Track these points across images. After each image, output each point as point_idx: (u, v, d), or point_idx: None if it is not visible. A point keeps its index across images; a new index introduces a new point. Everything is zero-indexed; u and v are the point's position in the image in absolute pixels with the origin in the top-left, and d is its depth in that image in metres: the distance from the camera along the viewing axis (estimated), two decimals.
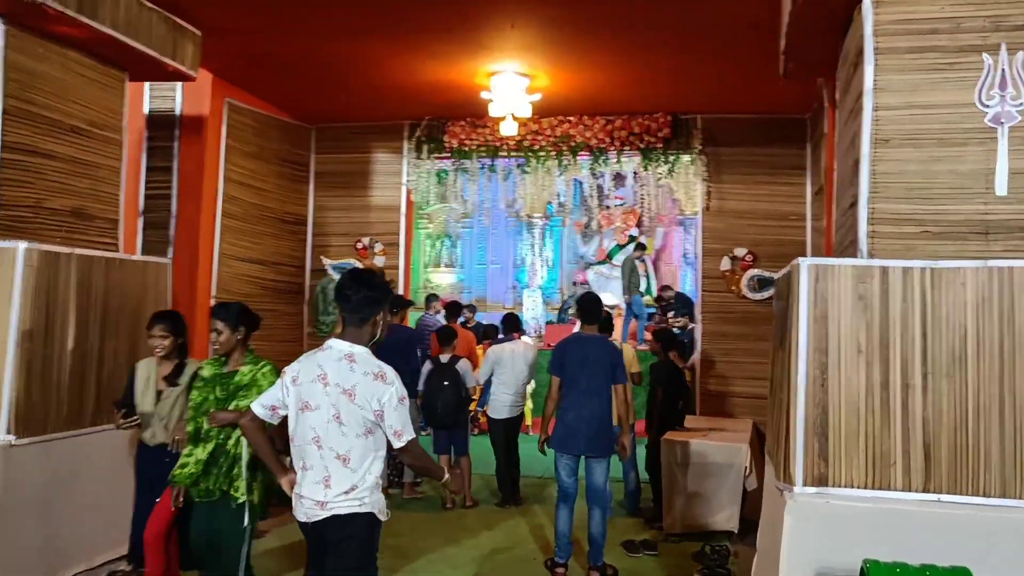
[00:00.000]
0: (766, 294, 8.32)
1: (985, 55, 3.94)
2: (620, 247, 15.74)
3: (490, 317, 16.79)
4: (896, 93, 4.04)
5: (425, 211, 17.14)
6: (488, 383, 7.93)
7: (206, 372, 4.33)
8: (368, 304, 3.31)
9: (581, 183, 15.56)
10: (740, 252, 8.42)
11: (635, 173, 15.27)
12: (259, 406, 3.46)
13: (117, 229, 5.83)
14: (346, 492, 3.22)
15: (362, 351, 3.28)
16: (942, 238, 3.96)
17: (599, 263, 15.90)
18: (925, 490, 3.75)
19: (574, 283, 15.92)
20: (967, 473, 3.73)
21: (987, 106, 3.94)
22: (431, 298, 11.33)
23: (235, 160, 7.90)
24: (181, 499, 4.32)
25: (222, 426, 4.13)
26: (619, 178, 15.84)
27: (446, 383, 7.51)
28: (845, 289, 3.91)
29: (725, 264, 8.47)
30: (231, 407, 4.16)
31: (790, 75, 5.61)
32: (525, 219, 15.66)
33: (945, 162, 3.98)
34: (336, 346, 3.29)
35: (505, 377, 7.82)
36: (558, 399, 5.79)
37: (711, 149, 8.56)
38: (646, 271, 15.80)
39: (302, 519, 3.34)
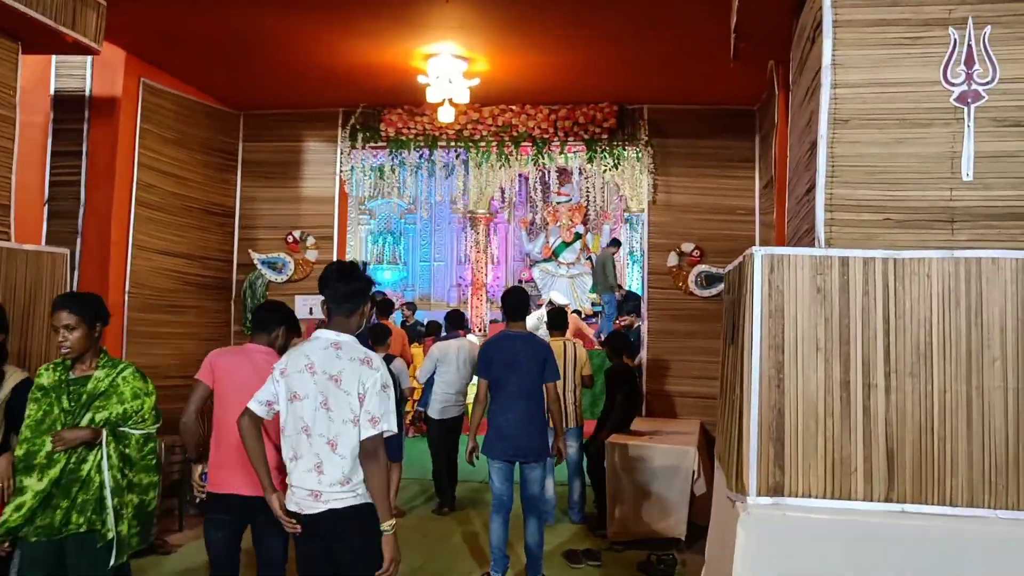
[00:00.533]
0: (714, 291, 8.03)
1: (951, 28, 3.64)
2: (566, 244, 15.43)
3: (434, 316, 16.36)
4: (856, 69, 3.72)
5: (367, 207, 16.74)
6: (429, 382, 7.51)
7: (45, 379, 3.54)
8: (357, 295, 3.41)
9: (526, 179, 15.24)
10: (687, 247, 8.13)
11: (580, 169, 15.05)
12: (256, 403, 3.34)
13: (9, 216, 5.27)
14: (341, 483, 3.16)
15: (348, 339, 3.32)
16: (905, 226, 3.65)
17: (545, 261, 15.57)
18: (888, 499, 3.43)
19: (519, 281, 15.55)
20: (933, 480, 3.42)
21: (953, 84, 3.64)
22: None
23: (152, 146, 7.34)
24: (7, 544, 3.46)
25: (73, 447, 3.43)
26: (564, 174, 15.57)
27: None
28: (802, 281, 3.58)
29: (672, 260, 8.16)
30: (84, 422, 3.47)
31: (741, 57, 5.29)
32: (469, 215, 15.26)
33: (908, 144, 3.66)
34: (323, 335, 3.33)
35: (448, 376, 7.44)
36: (486, 403, 5.40)
37: (657, 141, 8.24)
38: (592, 269, 15.52)
39: (293, 508, 3.26)
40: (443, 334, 8.48)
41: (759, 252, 3.66)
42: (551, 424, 5.48)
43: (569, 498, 7.13)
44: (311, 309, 8.55)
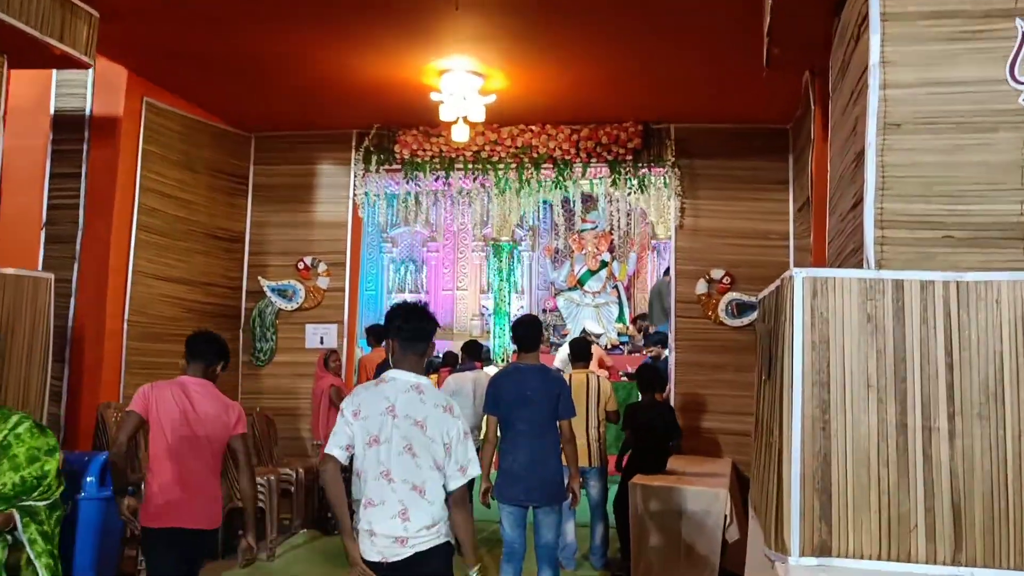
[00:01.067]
0: (746, 320, 7.53)
1: (1018, 20, 3.19)
2: (592, 273, 14.97)
3: (455, 347, 15.95)
4: (908, 68, 3.27)
5: (388, 234, 16.42)
6: None
7: None
8: (429, 336, 3.40)
9: (551, 205, 14.86)
10: (717, 274, 7.65)
11: (607, 195, 14.65)
12: (336, 449, 3.20)
13: None
14: (428, 527, 3.15)
15: (428, 382, 3.30)
16: (969, 244, 3.17)
17: (570, 290, 15.12)
18: (955, 563, 2.92)
19: (543, 310, 15.12)
20: (1008, 541, 2.91)
21: (1021, 83, 3.18)
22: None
23: (155, 168, 7.04)
24: None
25: None
26: (590, 200, 15.17)
27: None
28: (850, 307, 3.11)
29: (701, 287, 7.68)
30: None
31: (774, 64, 4.86)
32: (492, 243, 14.87)
33: (970, 151, 3.20)
34: (401, 377, 3.26)
35: (464, 410, 6.95)
36: (497, 441, 4.96)
37: (685, 162, 7.80)
38: (619, 298, 15.06)
39: (375, 559, 3.13)
40: (459, 366, 8.05)
41: (800, 274, 3.21)
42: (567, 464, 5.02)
43: (591, 542, 6.63)
44: (322, 338, 8.18)
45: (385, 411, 3.17)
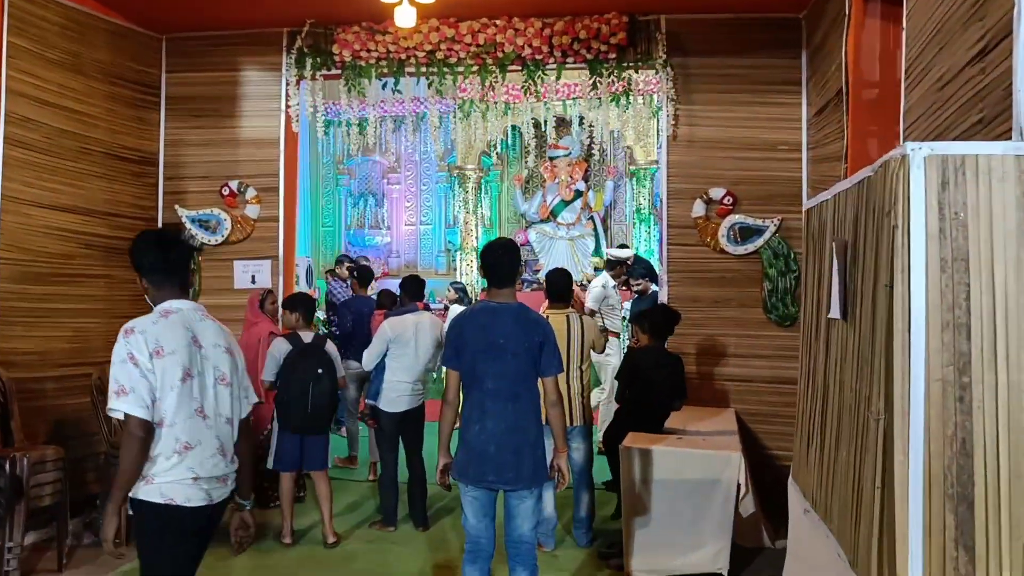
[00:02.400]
0: (751, 247, 6.34)
1: None
2: (565, 203, 13.70)
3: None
4: None
5: (345, 166, 15.04)
6: (380, 368, 5.81)
7: None
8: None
9: (520, 131, 13.49)
10: (716, 193, 6.42)
11: (581, 119, 13.29)
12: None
13: None
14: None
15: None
16: None
17: (542, 222, 13.86)
18: None
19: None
20: None
21: None
22: (341, 260, 9.34)
23: (26, 67, 5.62)
24: None
25: None
26: (563, 125, 13.83)
27: (320, 370, 5.43)
28: (1005, 202, 1.91)
29: (698, 209, 6.45)
30: None
31: None
32: (457, 172, 13.51)
33: None
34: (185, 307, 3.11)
35: (406, 360, 5.74)
36: (458, 404, 3.77)
37: (678, 60, 6.49)
38: (595, 230, 13.85)
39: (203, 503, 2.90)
40: (396, 307, 6.80)
41: (920, 151, 1.98)
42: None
43: (574, 513, 5.51)
44: (253, 277, 6.89)
45: (191, 343, 2.94)
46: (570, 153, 13.78)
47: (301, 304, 5.63)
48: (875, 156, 4.33)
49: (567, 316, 5.38)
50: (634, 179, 13.17)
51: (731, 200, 6.40)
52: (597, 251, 13.70)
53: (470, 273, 13.20)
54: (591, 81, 6.59)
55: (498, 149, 13.71)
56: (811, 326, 3.28)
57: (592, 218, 13.78)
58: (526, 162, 14.45)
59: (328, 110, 14.98)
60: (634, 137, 12.78)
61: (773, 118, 6.37)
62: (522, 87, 6.69)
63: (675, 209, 6.53)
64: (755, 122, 6.39)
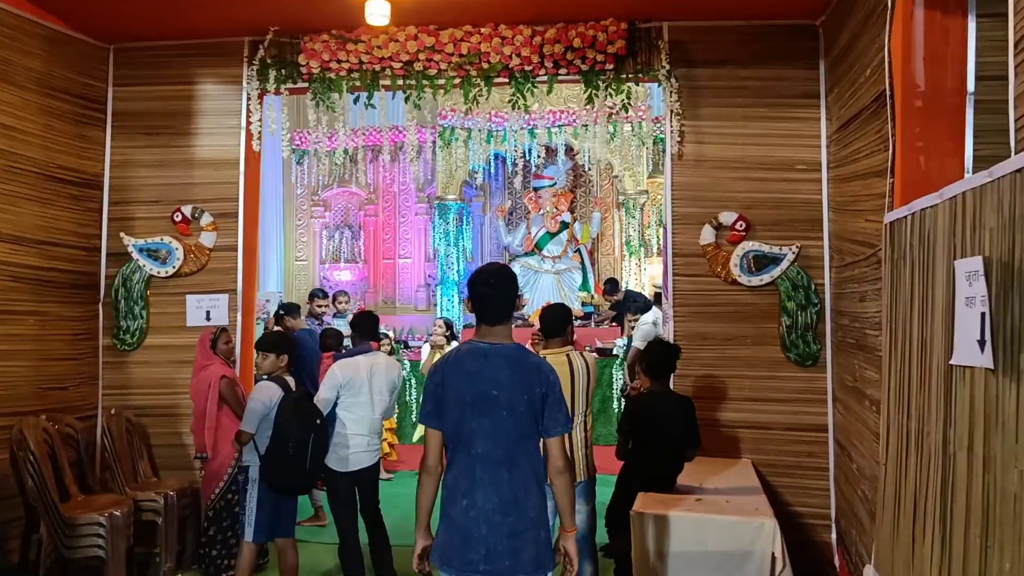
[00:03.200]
0: (767, 277, 5.65)
1: None
2: (551, 235, 13.00)
3: (399, 321, 13.92)
4: None
5: (320, 197, 14.33)
6: (330, 418, 4.94)
7: None
8: None
9: (503, 159, 12.82)
10: (727, 218, 5.73)
11: (568, 148, 12.64)
12: None
13: None
14: None
15: None
16: None
17: (527, 255, 13.15)
18: None
19: None
20: None
21: None
22: (315, 295, 8.60)
23: None
24: None
25: None
26: (548, 153, 13.17)
27: (318, 420, 4.63)
28: None
29: (706, 236, 5.76)
30: None
31: None
32: (436, 202, 12.77)
33: None
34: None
35: (359, 409, 4.89)
36: (440, 472, 2.99)
37: (683, 71, 5.83)
38: (582, 263, 13.16)
39: None
40: (345, 348, 5.99)
41: None
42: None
43: None
44: (208, 313, 6.10)
45: None
46: (555, 183, 13.14)
47: (286, 346, 4.83)
48: (933, 170, 3.65)
49: (567, 355, 4.62)
50: (623, 209, 12.52)
51: (744, 225, 5.70)
52: (584, 285, 13.01)
53: (451, 309, 12.44)
54: (586, 95, 5.90)
55: (480, 178, 13.04)
56: (903, 372, 2.56)
57: (579, 251, 13.10)
58: (509, 192, 13.81)
59: (301, 139, 14.35)
60: (623, 165, 12.15)
61: (789, 134, 5.71)
62: (509, 101, 5.98)
63: (681, 236, 5.83)
64: (769, 139, 5.73)
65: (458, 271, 12.63)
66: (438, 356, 6.47)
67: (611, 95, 5.88)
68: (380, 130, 14.12)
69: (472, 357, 2.95)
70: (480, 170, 12.46)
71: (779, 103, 5.73)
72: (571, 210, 13.26)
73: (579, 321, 11.79)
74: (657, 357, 4.72)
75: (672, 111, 5.77)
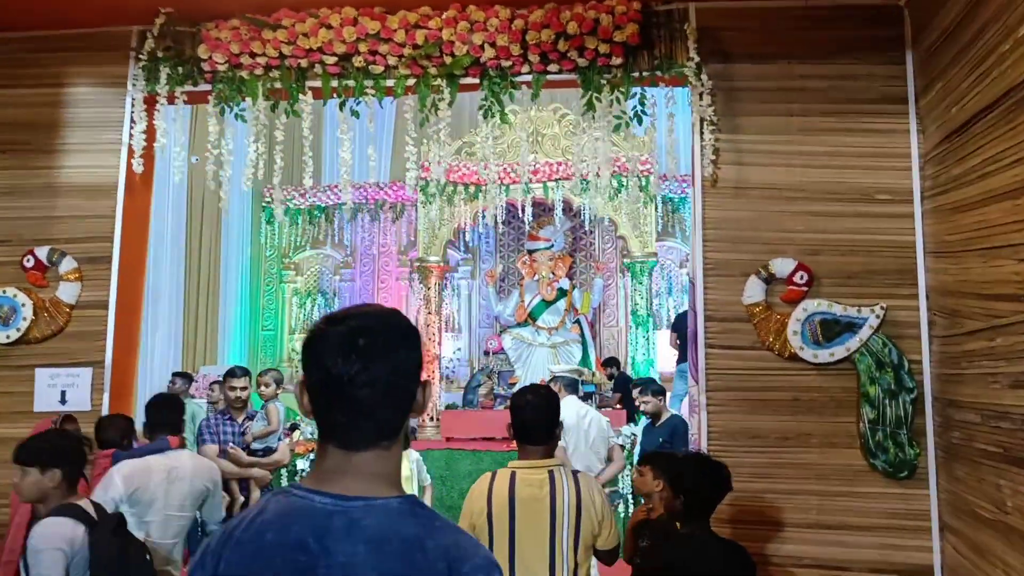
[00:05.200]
0: (840, 351, 3.91)
1: None
2: (547, 304, 11.30)
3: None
4: None
5: (291, 259, 12.72)
6: None
7: None
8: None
9: (495, 218, 11.21)
10: (782, 267, 4.03)
11: (565, 205, 11.04)
12: None
13: None
14: None
15: None
16: None
17: (519, 325, 11.43)
18: None
19: (486, 352, 11.38)
20: None
21: None
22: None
23: None
24: None
25: None
26: (544, 211, 11.58)
27: (147, 556, 2.94)
28: None
29: (753, 292, 4.04)
30: None
31: None
32: (418, 266, 11.09)
33: None
34: None
35: (149, 528, 3.25)
36: None
37: (718, 67, 4.19)
38: (581, 336, 11.42)
39: None
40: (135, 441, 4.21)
41: None
42: None
43: None
44: (64, 393, 4.35)
45: None
46: (552, 245, 11.48)
47: (61, 452, 3.03)
48: None
49: (550, 474, 2.88)
50: (629, 275, 10.84)
51: (805, 278, 4.00)
52: (584, 360, 11.24)
53: (430, 385, 10.62)
54: (584, 99, 4.25)
55: (468, 239, 11.44)
56: None
57: (578, 321, 11.36)
58: (501, 256, 12.18)
59: (272, 196, 12.82)
60: (628, 226, 10.53)
61: (866, 152, 4.05)
62: (479, 108, 4.32)
63: (716, 292, 4.11)
64: (837, 159, 4.07)
65: (439, 342, 10.88)
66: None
67: (618, 100, 4.23)
68: (360, 187, 12.65)
69: (277, 551, 1.22)
70: (467, 229, 10.88)
71: (850, 110, 4.08)
72: (570, 276, 11.59)
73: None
74: (701, 488, 2.94)
75: (704, 119, 4.12)
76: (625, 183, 10.37)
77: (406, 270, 12.14)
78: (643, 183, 10.42)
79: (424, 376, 1.37)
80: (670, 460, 3.26)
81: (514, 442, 3.02)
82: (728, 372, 4.05)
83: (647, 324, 10.45)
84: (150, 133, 4.48)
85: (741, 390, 4.03)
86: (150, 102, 4.50)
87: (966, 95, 3.40)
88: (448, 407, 10.52)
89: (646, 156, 10.33)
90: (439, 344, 10.81)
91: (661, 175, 10.51)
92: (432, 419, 10.39)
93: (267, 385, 5.75)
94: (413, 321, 9.69)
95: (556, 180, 10.52)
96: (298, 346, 12.31)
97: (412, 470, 5.17)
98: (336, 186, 12.58)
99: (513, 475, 2.97)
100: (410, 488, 4.97)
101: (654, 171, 10.54)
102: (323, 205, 12.59)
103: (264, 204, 12.60)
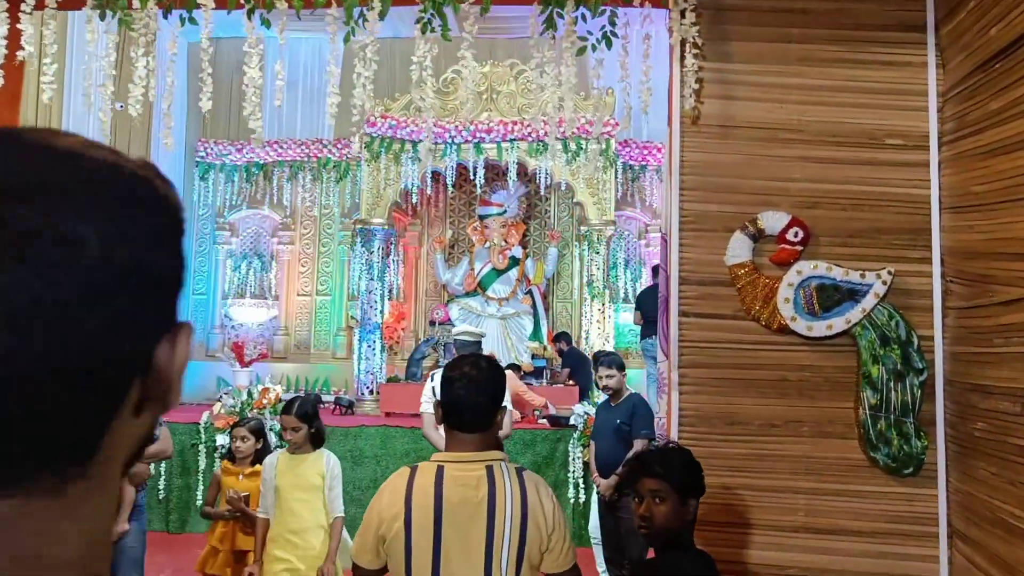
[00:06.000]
0: (838, 322, 3.25)
1: None
2: (498, 273, 10.59)
3: (314, 371, 11.32)
4: None
5: (226, 219, 11.80)
6: None
7: None
8: None
9: (442, 175, 10.41)
10: (773, 222, 3.34)
11: (520, 169, 10.30)
12: None
13: None
14: None
15: None
16: None
17: (468, 295, 10.70)
18: None
19: (432, 322, 10.64)
20: None
21: None
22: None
23: None
24: None
25: None
26: (496, 174, 10.83)
27: None
28: None
29: (737, 250, 3.35)
30: None
31: None
32: (359, 227, 10.25)
33: None
34: None
35: None
36: None
37: None
38: (533, 308, 10.75)
39: None
40: None
41: None
42: None
43: None
44: None
45: None
46: (505, 211, 10.76)
47: None
48: None
49: (488, 472, 2.18)
50: (585, 244, 10.17)
51: (800, 235, 3.33)
52: (536, 334, 10.60)
53: (372, 357, 9.89)
54: (543, 13, 3.50)
55: (414, 202, 10.65)
56: None
57: (530, 292, 10.68)
58: (451, 221, 11.42)
59: (206, 150, 11.85)
60: (586, 191, 9.84)
61: (875, 89, 3.38)
62: (417, 21, 3.55)
63: (693, 249, 3.42)
64: (842, 96, 3.40)
65: (382, 311, 10.11)
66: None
67: (583, 18, 3.49)
68: (304, 142, 11.75)
69: None
70: (415, 189, 10.09)
71: (859, 38, 3.41)
72: (523, 244, 10.88)
73: (528, 378, 9.35)
74: (683, 472, 2.26)
75: (686, 42, 3.40)
76: (584, 146, 9.69)
77: (348, 234, 11.31)
78: (604, 146, 9.75)
79: None
80: (665, 457, 2.56)
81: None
82: (705, 345, 3.37)
83: (603, 296, 9.80)
84: (12, 40, 3.62)
85: (720, 367, 3.36)
86: (12, 2, 3.63)
87: (987, 30, 2.74)
88: (390, 380, 9.79)
89: (609, 117, 9.65)
90: (380, 313, 10.03)
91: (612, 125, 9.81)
92: (372, 392, 9.65)
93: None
94: (358, 289, 8.81)
95: (511, 140, 9.80)
96: (234, 311, 11.48)
97: (325, 476, 3.82)
98: (277, 142, 11.70)
99: (440, 471, 2.27)
100: (319, 504, 3.78)
101: (615, 135, 9.89)
102: (261, 162, 11.67)
103: (198, 160, 11.64)
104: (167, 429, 4.36)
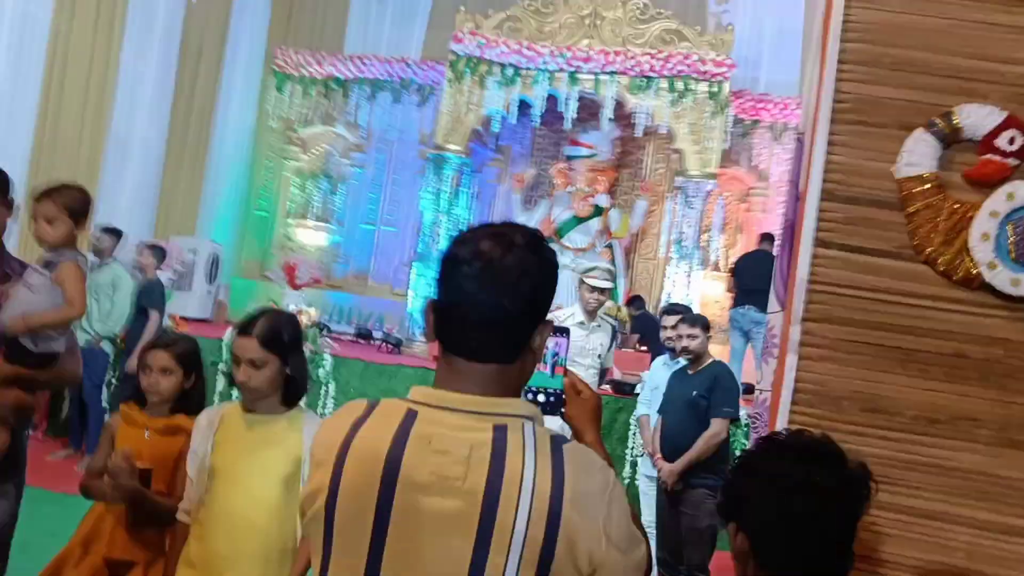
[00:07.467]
0: None
1: None
2: (578, 220, 9.54)
3: (369, 304, 10.54)
4: None
5: (298, 133, 11.07)
6: None
7: None
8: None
9: (529, 107, 9.36)
10: (978, 118, 2.21)
11: (617, 107, 9.15)
12: None
13: None
14: None
15: None
16: None
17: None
18: None
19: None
20: None
21: None
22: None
23: None
24: None
25: None
26: (589, 110, 9.71)
27: None
28: None
29: (917, 155, 2.23)
30: None
31: None
32: (436, 153, 9.31)
33: None
34: None
35: None
36: None
37: None
38: (612, 263, 9.66)
39: None
40: None
41: None
42: None
43: None
44: None
45: None
46: (595, 154, 9.67)
47: None
48: None
49: (497, 433, 1.21)
50: (679, 198, 9.01)
51: (1016, 141, 2.18)
52: (614, 296, 9.52)
53: (428, 291, 9.03)
54: None
55: (497, 132, 9.66)
56: None
57: (610, 246, 9.61)
58: (535, 158, 10.40)
59: (285, 59, 11.06)
60: (689, 138, 8.67)
61: None
62: None
63: (847, 151, 2.29)
64: None
65: (438, 245, 9.24)
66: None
67: None
68: (387, 60, 10.85)
69: None
70: (499, 119, 9.12)
71: None
72: (610, 192, 9.80)
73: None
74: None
75: None
76: (693, 87, 8.51)
77: (423, 163, 10.44)
78: (714, 89, 8.55)
79: None
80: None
81: None
82: (848, 292, 2.27)
83: (692, 257, 8.67)
84: None
85: (864, 326, 2.26)
86: None
87: None
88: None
89: (724, 57, 8.45)
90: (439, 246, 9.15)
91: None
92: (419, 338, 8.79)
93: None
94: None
95: (610, 73, 8.69)
96: (294, 232, 10.75)
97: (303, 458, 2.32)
98: (360, 57, 10.84)
99: (411, 417, 1.28)
100: (283, 507, 2.28)
101: (729, 77, 8.68)
102: (341, 77, 10.85)
103: (275, 68, 10.89)
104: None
